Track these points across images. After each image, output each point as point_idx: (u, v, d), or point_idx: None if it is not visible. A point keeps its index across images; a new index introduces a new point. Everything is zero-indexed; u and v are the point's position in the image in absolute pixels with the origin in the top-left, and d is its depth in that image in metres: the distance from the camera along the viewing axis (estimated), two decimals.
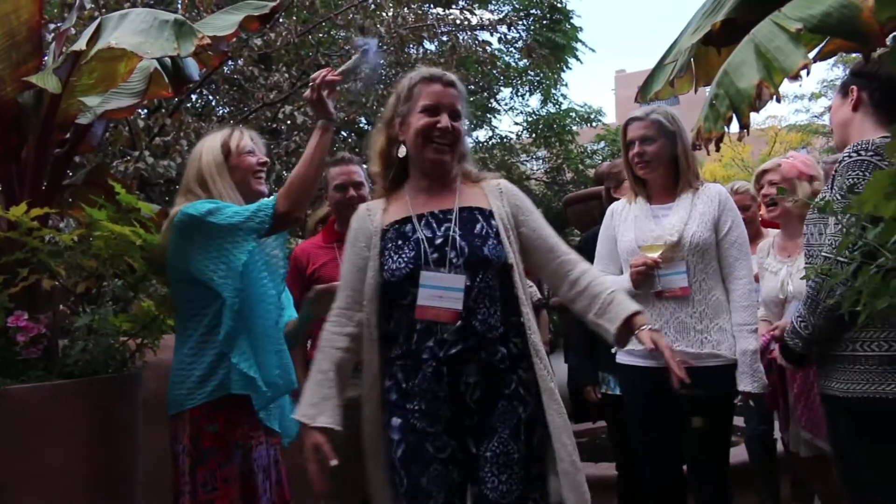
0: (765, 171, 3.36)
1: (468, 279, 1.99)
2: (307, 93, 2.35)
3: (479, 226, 2.08)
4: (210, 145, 2.42)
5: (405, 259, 2.02)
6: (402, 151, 2.13)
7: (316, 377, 2.03)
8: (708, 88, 2.29)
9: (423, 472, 1.96)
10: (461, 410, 2.00)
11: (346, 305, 2.11)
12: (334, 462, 1.90)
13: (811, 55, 1.65)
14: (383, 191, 2.21)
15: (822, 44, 1.89)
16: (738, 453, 3.88)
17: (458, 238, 2.04)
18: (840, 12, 1.51)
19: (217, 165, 2.38)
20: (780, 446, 3.59)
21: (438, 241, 2.04)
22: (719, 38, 2.07)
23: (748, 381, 2.70)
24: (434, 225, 2.08)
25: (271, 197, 2.29)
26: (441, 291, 1.98)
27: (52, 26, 4.39)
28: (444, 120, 2.07)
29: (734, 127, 1.84)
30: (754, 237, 3.75)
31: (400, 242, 2.06)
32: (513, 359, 2.03)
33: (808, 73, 1.54)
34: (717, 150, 1.74)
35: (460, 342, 1.97)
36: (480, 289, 2.01)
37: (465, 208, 2.11)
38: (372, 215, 2.15)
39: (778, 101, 1.62)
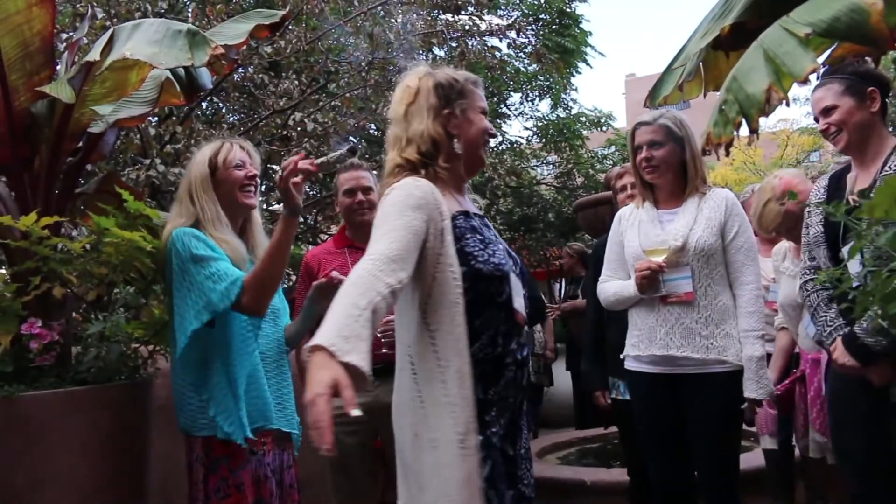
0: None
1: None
2: (277, 179, 2.31)
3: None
4: (199, 159, 2.45)
5: (499, 255, 1.96)
6: (458, 147, 2.00)
7: (348, 310, 1.58)
8: (717, 92, 2.29)
9: (507, 489, 1.89)
10: (516, 415, 2.00)
11: (396, 257, 1.72)
12: (357, 412, 1.45)
13: (820, 59, 1.65)
14: (432, 176, 1.97)
15: (832, 48, 1.88)
16: (753, 458, 3.86)
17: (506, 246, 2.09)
18: (849, 16, 1.50)
19: (202, 181, 2.40)
20: (796, 452, 3.57)
21: (501, 244, 2.06)
22: (728, 43, 2.07)
23: (754, 388, 2.68)
24: (484, 227, 2.05)
25: (238, 282, 2.22)
26: (519, 297, 1.98)
27: (63, 36, 4.43)
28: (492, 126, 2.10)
29: (743, 131, 1.84)
30: (771, 237, 3.73)
31: (479, 237, 1.97)
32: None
33: (817, 78, 1.54)
34: (727, 154, 1.74)
35: (527, 346, 2.01)
36: (526, 296, 2.07)
37: (478, 214, 2.10)
38: (435, 193, 1.90)
39: (787, 105, 1.61)
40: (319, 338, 1.51)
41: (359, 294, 1.61)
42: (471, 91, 2.06)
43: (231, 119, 7.25)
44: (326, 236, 8.55)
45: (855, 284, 2.05)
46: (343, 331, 1.53)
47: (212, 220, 2.36)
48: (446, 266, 1.85)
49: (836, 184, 2.52)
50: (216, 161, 2.43)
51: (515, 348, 1.93)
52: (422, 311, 1.87)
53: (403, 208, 1.82)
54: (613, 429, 4.25)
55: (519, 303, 1.97)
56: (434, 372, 1.84)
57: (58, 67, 3.00)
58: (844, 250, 2.34)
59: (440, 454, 1.79)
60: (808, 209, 2.59)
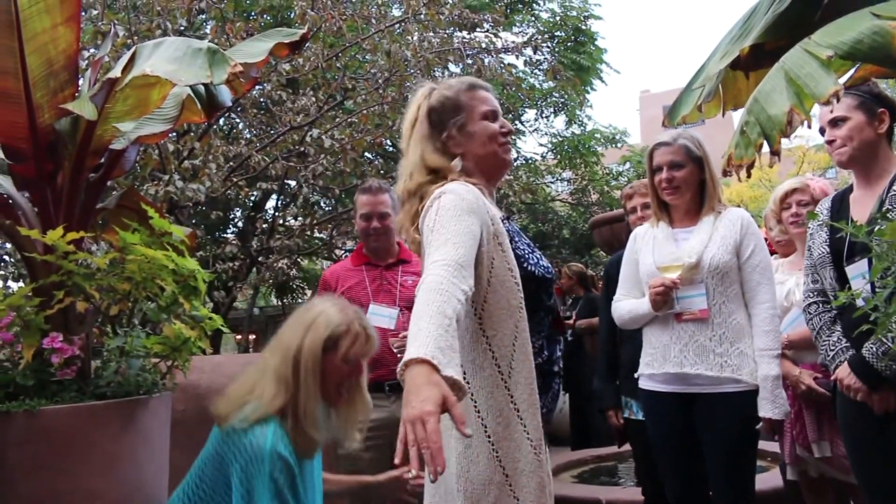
0: (793, 191, 3.33)
1: None
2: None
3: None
4: (317, 329, 2.18)
5: (544, 259, 1.96)
6: (460, 164, 1.96)
7: (440, 320, 1.49)
8: (735, 112, 2.29)
9: None
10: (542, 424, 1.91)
11: (465, 262, 1.66)
12: (469, 431, 1.41)
13: (841, 81, 1.65)
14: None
15: (853, 70, 1.89)
16: (770, 479, 3.83)
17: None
18: (872, 38, 1.50)
19: (314, 358, 2.15)
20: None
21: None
22: (747, 63, 2.08)
23: (769, 408, 2.67)
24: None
25: None
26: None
27: (86, 53, 4.50)
28: (506, 123, 2.05)
29: (764, 151, 1.85)
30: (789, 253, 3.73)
31: (525, 241, 1.98)
32: None
33: (837, 100, 1.54)
34: (749, 176, 1.74)
35: (563, 358, 2.00)
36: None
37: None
38: (484, 200, 1.88)
39: (809, 126, 1.62)
40: (418, 349, 1.41)
41: (444, 302, 1.53)
42: (466, 102, 2.00)
43: (248, 135, 7.31)
44: (342, 252, 8.59)
45: (860, 304, 2.05)
46: (440, 342, 1.44)
47: (310, 411, 2.14)
48: (505, 270, 1.80)
49: (839, 204, 2.52)
50: (337, 345, 2.18)
51: (559, 357, 1.89)
52: (477, 318, 1.78)
53: (459, 212, 1.75)
54: (627, 447, 4.23)
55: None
56: (496, 380, 1.76)
57: (80, 85, 3.05)
58: (849, 270, 2.33)
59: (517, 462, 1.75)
60: (810, 231, 2.59)
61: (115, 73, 2.47)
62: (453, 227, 1.71)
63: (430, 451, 1.24)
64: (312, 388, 2.12)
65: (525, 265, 1.88)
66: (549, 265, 1.96)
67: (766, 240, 3.73)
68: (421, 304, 1.52)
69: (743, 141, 1.70)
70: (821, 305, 2.50)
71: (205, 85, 2.89)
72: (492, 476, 1.72)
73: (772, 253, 3.81)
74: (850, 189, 2.53)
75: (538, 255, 1.95)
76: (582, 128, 15.17)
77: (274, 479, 2.05)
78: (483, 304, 1.78)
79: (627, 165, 16.62)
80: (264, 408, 2.13)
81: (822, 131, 2.46)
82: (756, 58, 2.04)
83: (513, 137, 2.04)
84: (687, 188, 2.86)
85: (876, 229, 1.70)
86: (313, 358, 2.13)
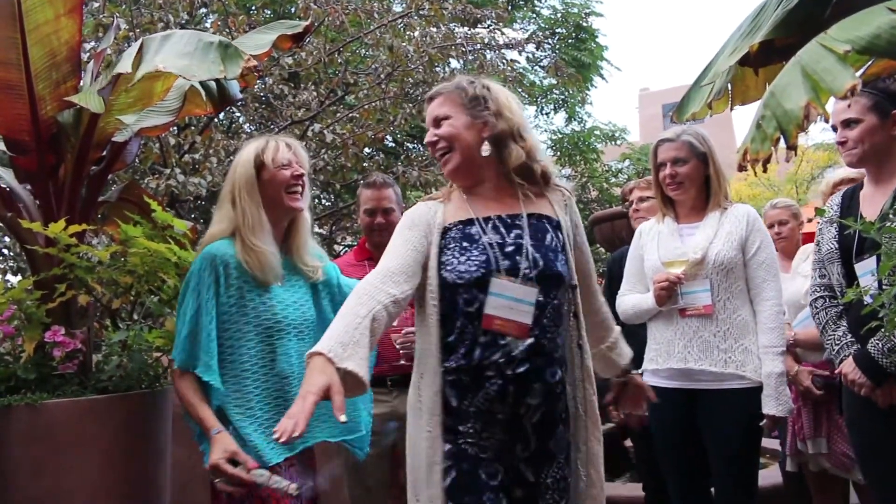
0: (850, 180, 3.26)
1: (540, 293, 1.88)
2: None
3: (549, 237, 1.98)
4: (244, 159, 2.29)
5: (475, 262, 1.89)
6: (486, 150, 1.98)
7: (349, 318, 1.72)
8: (740, 107, 2.29)
9: (475, 502, 1.80)
10: (516, 434, 1.89)
11: (397, 269, 1.87)
12: (343, 418, 1.54)
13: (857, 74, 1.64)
14: (448, 191, 2.08)
15: (867, 65, 1.88)
16: (770, 475, 3.83)
17: (530, 248, 1.92)
18: (889, 33, 1.49)
19: (248, 181, 2.24)
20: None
21: (509, 248, 1.92)
22: (756, 60, 2.07)
23: (773, 405, 2.66)
24: (503, 230, 1.96)
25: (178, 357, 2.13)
26: (512, 303, 1.85)
27: (87, 46, 4.48)
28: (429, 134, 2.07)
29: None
30: (792, 253, 3.72)
31: (466, 244, 1.93)
32: (567, 382, 1.97)
33: (852, 94, 1.53)
34: (765, 171, 1.73)
35: (528, 361, 1.85)
36: (554, 305, 1.91)
37: (534, 215, 2.00)
38: (431, 210, 2.01)
39: (826, 121, 1.61)
40: (319, 344, 1.63)
41: (359, 304, 1.75)
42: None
43: (249, 129, 7.29)
44: (341, 247, 8.58)
45: (867, 301, 2.04)
46: (342, 338, 1.65)
47: (252, 225, 2.21)
48: (427, 277, 1.91)
49: (850, 201, 2.51)
50: (262, 160, 2.27)
51: (501, 361, 1.83)
52: (419, 322, 1.96)
53: (402, 229, 1.98)
54: (628, 443, 4.22)
55: (509, 311, 1.84)
56: (416, 377, 1.95)
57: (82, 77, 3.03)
58: (858, 267, 2.33)
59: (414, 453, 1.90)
60: (819, 226, 2.58)
61: (125, 67, 2.44)
62: (395, 240, 1.95)
63: (294, 420, 1.49)
64: (250, 207, 2.21)
65: (441, 271, 1.91)
66: (479, 268, 1.87)
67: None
68: (343, 306, 1.76)
69: (759, 135, 1.68)
70: (827, 300, 2.50)
71: (216, 79, 2.86)
72: (415, 463, 1.90)
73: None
74: (860, 186, 2.53)
75: (467, 258, 1.90)
76: (582, 125, 15.18)
77: (198, 273, 2.14)
78: (420, 310, 1.96)
79: (627, 163, 16.63)
80: (210, 236, 2.24)
81: (834, 129, 2.45)
82: (765, 54, 2.03)
83: (442, 146, 2.00)
84: (691, 184, 2.85)
85: (886, 226, 1.69)
86: (247, 181, 2.23)
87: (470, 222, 1.97)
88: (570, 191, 2.11)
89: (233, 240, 2.21)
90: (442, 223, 1.97)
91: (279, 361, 2.19)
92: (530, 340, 1.85)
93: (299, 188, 2.31)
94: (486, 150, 1.96)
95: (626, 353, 2.24)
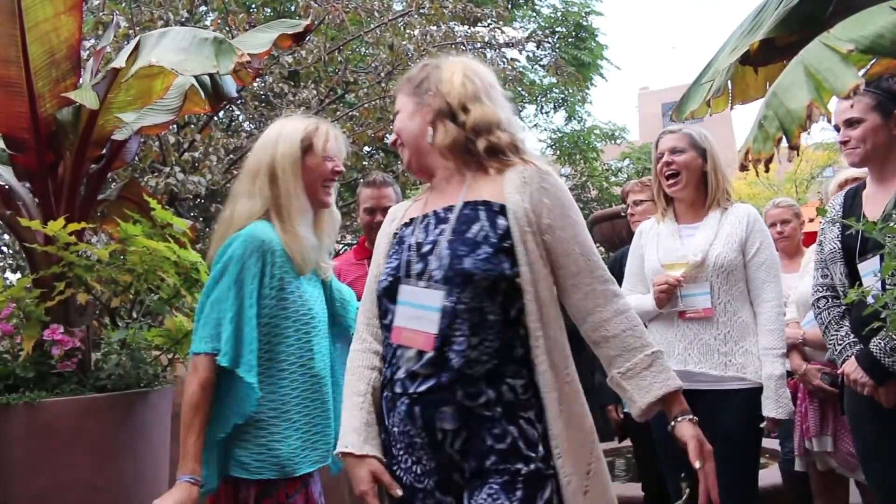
0: (854, 179, 3.25)
1: (446, 297, 1.56)
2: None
3: (476, 227, 1.62)
4: (290, 135, 2.07)
5: (388, 269, 1.69)
6: (430, 136, 1.73)
7: (353, 400, 1.68)
8: (740, 107, 2.28)
9: None
10: (446, 461, 1.59)
11: (367, 320, 1.76)
12: (399, 492, 1.58)
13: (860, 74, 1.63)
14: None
15: (870, 64, 1.87)
16: (769, 475, 3.83)
17: (444, 244, 1.62)
18: (893, 33, 1.49)
19: (293, 160, 2.03)
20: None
21: (426, 247, 1.65)
22: (757, 58, 2.06)
23: (773, 407, 2.65)
24: (432, 226, 1.69)
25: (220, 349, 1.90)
26: (419, 311, 1.59)
27: (87, 44, 4.47)
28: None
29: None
30: (794, 253, 3.71)
31: (395, 249, 1.73)
32: (508, 405, 1.57)
33: (855, 94, 1.52)
34: (767, 171, 1.72)
35: (432, 377, 1.56)
36: (459, 310, 1.56)
37: (471, 203, 1.66)
38: (394, 217, 1.84)
39: (829, 121, 1.60)
40: (340, 443, 1.66)
41: (355, 379, 1.73)
42: None
43: (249, 127, 7.28)
44: (341, 246, 8.57)
45: (869, 302, 2.03)
46: (353, 424, 1.66)
47: (297, 208, 2.03)
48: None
49: (852, 201, 2.51)
50: (311, 142, 2.07)
51: (404, 378, 1.59)
52: None
53: (378, 238, 1.85)
54: (627, 443, 4.22)
55: (416, 320, 1.59)
56: None
57: (82, 74, 3.02)
58: (861, 267, 2.33)
59: None
60: (821, 226, 2.57)
61: (119, 62, 2.45)
62: (376, 250, 1.82)
63: None
64: (294, 188, 2.03)
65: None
66: (385, 277, 1.69)
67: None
68: (345, 385, 1.75)
69: (761, 135, 1.67)
70: (830, 300, 2.49)
71: (210, 76, 2.86)
72: None
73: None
74: (863, 185, 2.52)
75: (385, 267, 1.72)
76: (581, 124, 15.16)
77: (241, 260, 1.93)
78: None
79: (626, 162, 16.62)
80: (243, 216, 2.03)
81: (836, 129, 2.44)
82: (766, 53, 2.02)
83: (398, 143, 1.82)
84: (688, 176, 2.82)
85: (889, 226, 1.69)
86: (292, 161, 2.04)
87: (410, 223, 1.76)
88: (540, 166, 1.69)
89: (270, 222, 2.03)
90: (394, 229, 1.80)
91: (316, 360, 2.04)
92: (429, 354, 1.55)
93: (334, 185, 2.16)
94: (430, 136, 1.71)
95: (662, 381, 1.71)
